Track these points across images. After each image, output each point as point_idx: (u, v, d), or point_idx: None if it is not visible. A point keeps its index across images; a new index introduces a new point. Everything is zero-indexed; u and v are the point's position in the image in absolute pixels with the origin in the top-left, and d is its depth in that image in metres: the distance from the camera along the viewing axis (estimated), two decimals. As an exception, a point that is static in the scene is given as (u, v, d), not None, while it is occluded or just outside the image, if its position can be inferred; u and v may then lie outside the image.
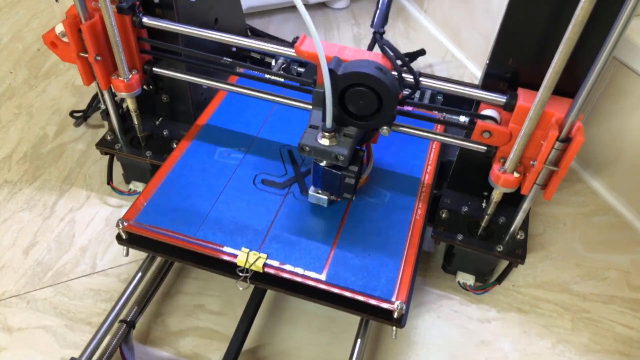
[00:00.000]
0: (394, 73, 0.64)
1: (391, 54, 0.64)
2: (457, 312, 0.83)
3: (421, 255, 0.77)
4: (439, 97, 0.93)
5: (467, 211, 0.81)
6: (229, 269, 0.69)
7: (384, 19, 0.68)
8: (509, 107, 0.64)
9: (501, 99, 0.65)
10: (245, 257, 0.68)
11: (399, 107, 0.77)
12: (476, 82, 1.17)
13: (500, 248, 0.77)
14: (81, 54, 0.75)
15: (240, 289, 0.69)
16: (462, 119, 0.83)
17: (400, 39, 1.39)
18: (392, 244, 0.71)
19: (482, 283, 0.86)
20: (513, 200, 0.75)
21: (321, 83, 0.60)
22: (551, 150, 0.61)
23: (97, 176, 1.00)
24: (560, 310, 0.84)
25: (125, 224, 0.72)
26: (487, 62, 0.68)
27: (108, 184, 0.97)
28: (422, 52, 1.03)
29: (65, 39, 0.74)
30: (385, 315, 0.66)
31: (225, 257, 0.69)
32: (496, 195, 0.72)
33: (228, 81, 0.84)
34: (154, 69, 0.81)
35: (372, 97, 0.62)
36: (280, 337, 0.79)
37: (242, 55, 1.04)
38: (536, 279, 0.88)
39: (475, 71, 1.27)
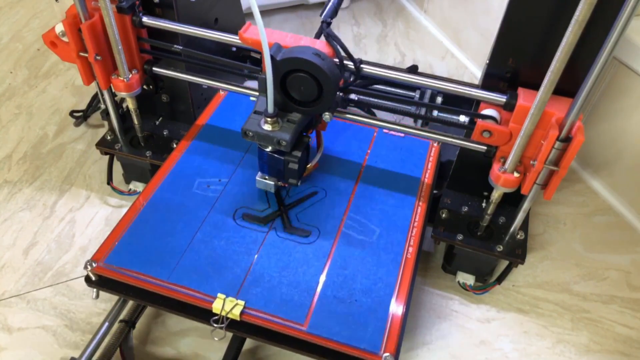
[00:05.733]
0: (336, 60, 0.65)
1: (333, 42, 0.65)
2: (457, 312, 0.83)
3: (420, 257, 0.77)
4: (439, 97, 0.93)
5: (467, 211, 0.80)
6: (205, 316, 0.64)
7: (334, 11, 0.70)
8: (509, 106, 0.64)
9: (501, 98, 0.65)
10: (222, 305, 0.63)
11: (399, 107, 0.77)
12: (476, 82, 1.17)
13: (500, 248, 0.77)
14: (81, 54, 0.75)
15: (216, 339, 0.64)
16: (462, 118, 0.83)
17: (401, 39, 1.39)
18: (381, 287, 0.66)
19: (482, 283, 0.86)
20: (513, 200, 0.75)
21: (265, 70, 0.61)
22: (551, 150, 0.60)
23: (97, 176, 1.00)
24: (560, 310, 0.84)
25: (95, 265, 0.67)
26: (487, 62, 0.67)
27: (108, 184, 0.97)
28: (414, 68, 1.03)
29: (65, 39, 0.74)
30: None
31: (201, 304, 0.64)
32: (496, 195, 0.72)
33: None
34: (154, 68, 0.81)
35: (312, 83, 0.63)
36: (280, 337, 0.79)
37: (242, 55, 1.04)
38: (536, 279, 0.88)
39: (475, 71, 1.27)
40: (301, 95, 0.65)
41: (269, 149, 0.69)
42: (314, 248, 0.70)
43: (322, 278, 0.67)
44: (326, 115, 0.68)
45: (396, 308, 0.64)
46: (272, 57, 0.61)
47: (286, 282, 0.66)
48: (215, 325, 0.63)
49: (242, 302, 0.63)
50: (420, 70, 1.28)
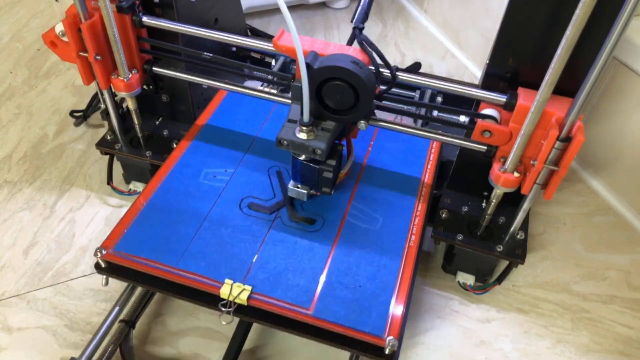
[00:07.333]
0: (372, 67, 0.64)
1: (369, 49, 0.65)
2: (457, 312, 0.83)
3: (420, 257, 0.77)
4: (439, 97, 0.93)
5: (467, 211, 0.80)
6: (213, 301, 0.65)
7: (365, 16, 0.68)
8: (509, 106, 0.64)
9: (501, 98, 0.65)
10: (229, 290, 0.64)
11: (398, 107, 0.77)
12: (476, 82, 1.17)
13: (500, 248, 0.77)
14: (81, 54, 0.75)
15: (224, 323, 0.65)
16: (462, 118, 0.84)
17: (401, 39, 1.39)
18: (384, 274, 0.67)
19: (482, 283, 0.86)
20: (513, 200, 0.75)
21: (299, 77, 0.60)
22: (551, 150, 0.60)
23: (97, 176, 1.00)
24: (560, 310, 0.84)
25: (104, 252, 0.68)
26: (487, 61, 0.67)
27: (108, 184, 0.97)
28: (417, 66, 1.03)
29: (65, 39, 0.74)
30: (376, 352, 0.62)
31: (208, 289, 0.65)
32: (496, 195, 0.72)
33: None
34: (154, 68, 0.81)
35: (348, 91, 0.62)
36: (280, 337, 0.79)
37: (242, 55, 1.04)
38: (536, 279, 0.88)
39: (475, 71, 1.27)
40: (337, 103, 0.63)
41: (302, 157, 0.68)
42: (319, 235, 0.72)
43: (327, 264, 0.68)
44: (361, 124, 0.67)
45: (399, 292, 0.66)
46: (309, 65, 0.60)
47: (292, 268, 0.67)
48: (223, 309, 0.64)
49: (249, 287, 0.65)
50: (420, 70, 1.28)
